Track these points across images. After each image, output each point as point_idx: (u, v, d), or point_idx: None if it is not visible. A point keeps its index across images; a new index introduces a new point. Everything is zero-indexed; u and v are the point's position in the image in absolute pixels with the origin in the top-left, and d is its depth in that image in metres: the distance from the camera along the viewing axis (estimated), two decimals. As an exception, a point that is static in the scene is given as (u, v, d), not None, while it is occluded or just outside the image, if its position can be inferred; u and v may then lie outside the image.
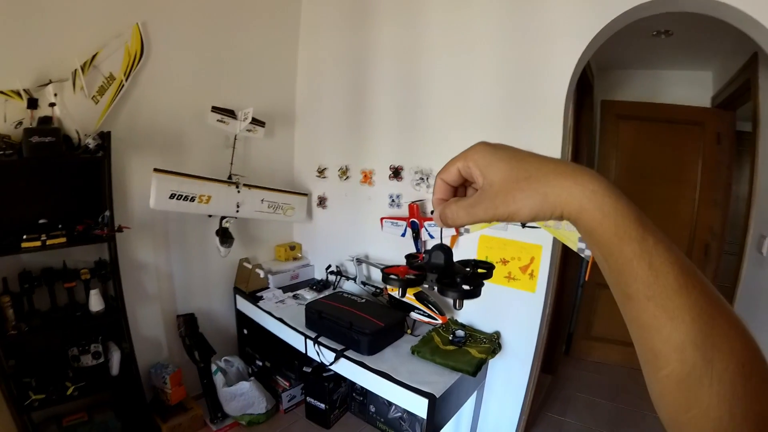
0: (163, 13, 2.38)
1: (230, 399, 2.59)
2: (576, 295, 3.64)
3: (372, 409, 2.70)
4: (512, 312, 2.20)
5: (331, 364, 2.14)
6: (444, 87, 2.36)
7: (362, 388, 2.53)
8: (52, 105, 1.96)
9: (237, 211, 2.61)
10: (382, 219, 2.58)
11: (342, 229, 2.96)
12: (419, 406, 1.81)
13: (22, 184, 2.03)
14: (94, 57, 2.13)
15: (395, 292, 2.32)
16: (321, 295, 2.66)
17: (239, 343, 3.06)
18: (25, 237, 1.87)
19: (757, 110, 2.47)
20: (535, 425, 2.77)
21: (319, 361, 2.23)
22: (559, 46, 1.95)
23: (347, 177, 2.87)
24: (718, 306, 0.33)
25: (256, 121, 2.65)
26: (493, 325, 2.26)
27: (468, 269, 0.52)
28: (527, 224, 2.09)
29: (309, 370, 2.69)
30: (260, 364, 2.90)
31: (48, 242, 1.91)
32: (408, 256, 0.60)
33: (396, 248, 2.60)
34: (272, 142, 3.06)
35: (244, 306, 2.85)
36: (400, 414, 2.56)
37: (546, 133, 2.01)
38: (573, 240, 1.93)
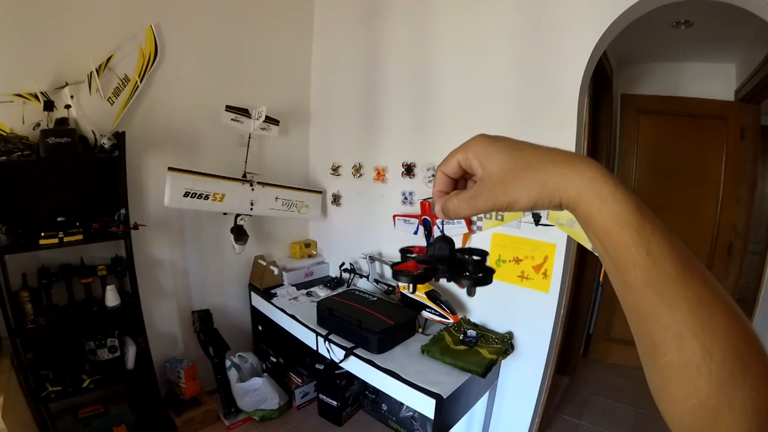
0: (176, 14, 2.42)
1: (244, 394, 2.62)
2: (594, 296, 3.55)
3: (384, 407, 2.70)
4: (525, 312, 2.15)
5: (341, 361, 2.14)
6: (456, 84, 2.33)
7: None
8: (67, 107, 2.01)
9: (251, 209, 2.65)
10: (394, 216, 2.58)
11: (356, 226, 2.96)
12: (427, 406, 1.79)
13: (41, 184, 2.09)
14: (109, 59, 2.17)
15: (406, 290, 2.31)
16: (334, 293, 2.67)
17: (254, 339, 3.09)
18: (43, 234, 1.92)
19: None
20: (549, 427, 2.72)
21: (329, 358, 2.23)
22: (571, 38, 1.90)
23: (361, 174, 2.87)
24: (717, 296, 0.32)
25: (270, 120, 2.67)
26: (506, 325, 2.23)
27: (467, 257, 0.53)
28: (540, 222, 2.06)
29: (321, 367, 2.71)
30: (274, 360, 2.92)
31: (65, 239, 1.96)
32: (402, 250, 0.59)
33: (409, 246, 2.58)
34: (287, 140, 3.07)
35: (259, 303, 2.87)
36: (411, 413, 2.55)
37: (560, 128, 1.96)
38: (587, 238, 1.87)
